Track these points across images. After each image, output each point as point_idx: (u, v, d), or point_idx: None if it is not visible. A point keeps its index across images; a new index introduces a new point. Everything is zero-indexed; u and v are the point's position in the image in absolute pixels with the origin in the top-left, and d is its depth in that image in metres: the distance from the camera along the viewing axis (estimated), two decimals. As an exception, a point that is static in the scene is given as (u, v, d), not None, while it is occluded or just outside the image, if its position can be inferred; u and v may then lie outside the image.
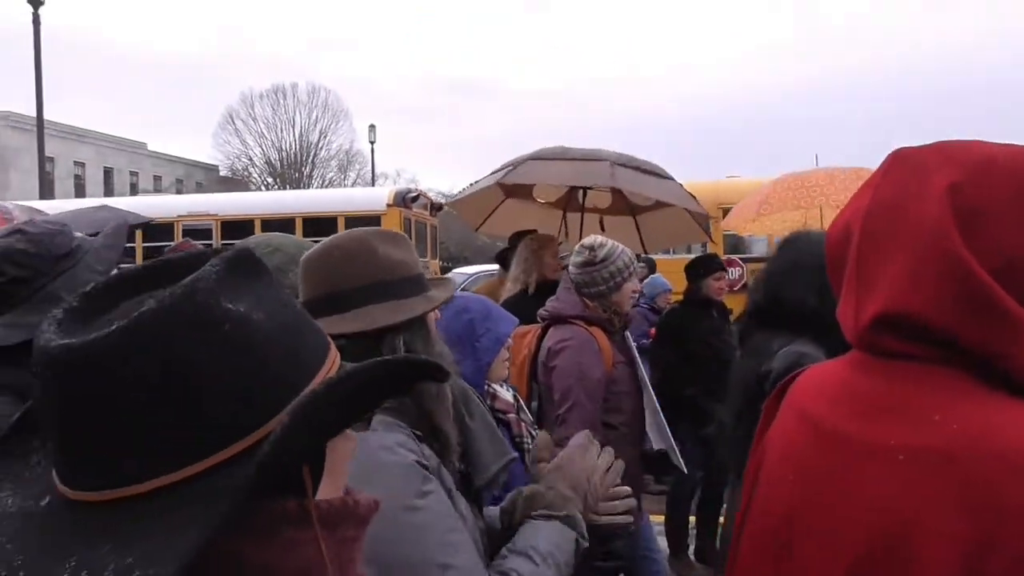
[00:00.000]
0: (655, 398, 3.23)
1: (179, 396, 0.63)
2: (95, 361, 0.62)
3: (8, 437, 0.75)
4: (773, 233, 7.59)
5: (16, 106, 48.36)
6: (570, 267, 3.19)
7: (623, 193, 5.23)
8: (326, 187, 44.69)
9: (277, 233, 2.67)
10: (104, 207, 2.93)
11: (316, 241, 3.29)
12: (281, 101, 49.61)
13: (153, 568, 0.57)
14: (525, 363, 3.23)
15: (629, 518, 1.57)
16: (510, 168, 4.58)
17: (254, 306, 0.68)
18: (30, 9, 16.89)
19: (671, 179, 4.94)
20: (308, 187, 44.34)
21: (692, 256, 6.48)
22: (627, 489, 1.58)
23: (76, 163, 51.53)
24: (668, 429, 3.22)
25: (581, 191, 5.19)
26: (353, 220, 13.78)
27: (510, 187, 5.33)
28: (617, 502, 1.55)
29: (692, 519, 5.00)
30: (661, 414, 3.18)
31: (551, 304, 3.25)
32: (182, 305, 0.64)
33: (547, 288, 4.59)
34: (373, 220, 13.76)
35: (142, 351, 0.62)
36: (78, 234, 1.70)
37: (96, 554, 0.60)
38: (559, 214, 5.73)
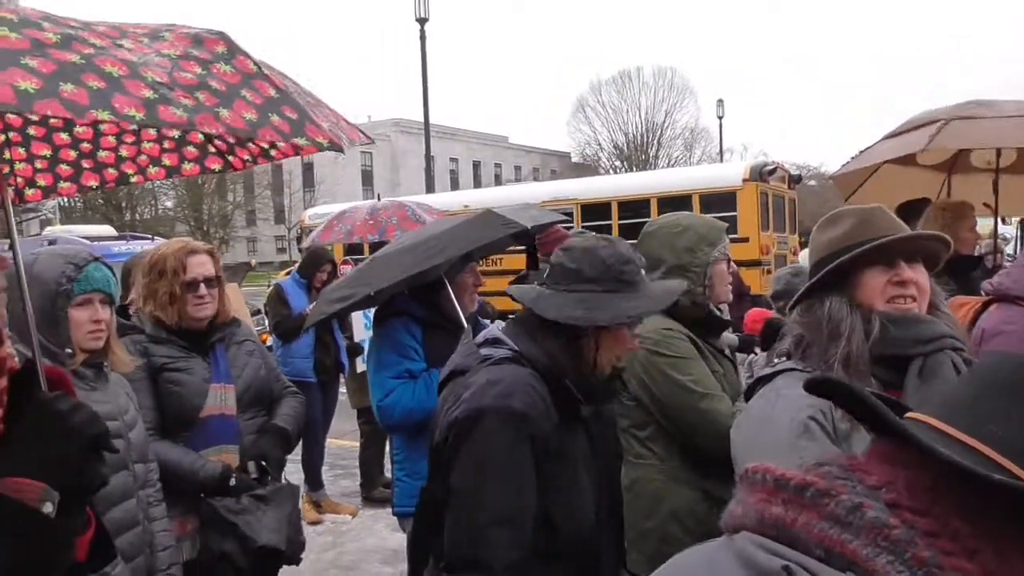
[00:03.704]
0: None
1: None
2: None
3: None
4: None
5: (403, 112, 55.87)
6: None
7: None
8: (671, 166, 44.87)
9: (685, 212, 2.73)
10: (530, 205, 3.38)
11: (720, 218, 3.34)
12: (627, 84, 50.91)
13: None
14: None
15: None
16: (932, 132, 4.03)
17: None
18: (417, 27, 19.36)
19: None
20: (654, 167, 44.88)
21: None
22: None
23: (451, 159, 57.96)
24: None
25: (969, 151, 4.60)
26: (707, 197, 13.68)
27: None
28: None
29: None
30: None
31: (998, 278, 2.83)
32: None
33: (959, 263, 4.11)
34: (728, 196, 13.53)
35: None
36: None
37: None
38: (942, 177, 5.12)
